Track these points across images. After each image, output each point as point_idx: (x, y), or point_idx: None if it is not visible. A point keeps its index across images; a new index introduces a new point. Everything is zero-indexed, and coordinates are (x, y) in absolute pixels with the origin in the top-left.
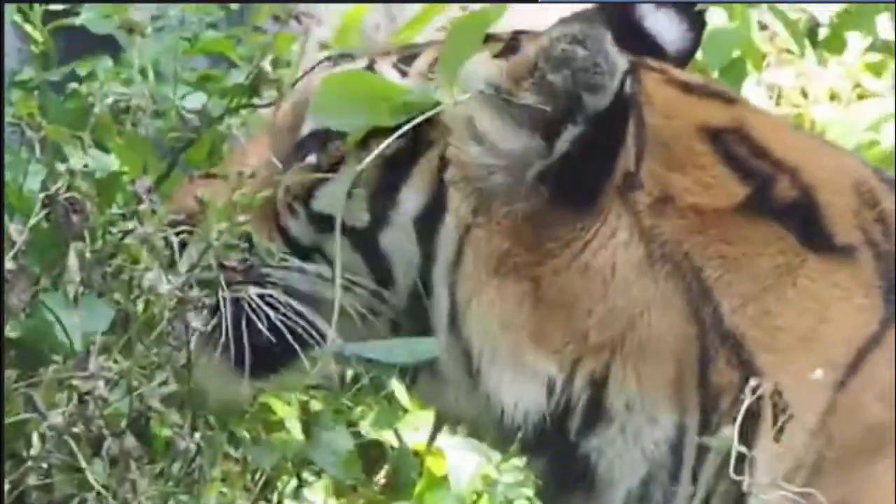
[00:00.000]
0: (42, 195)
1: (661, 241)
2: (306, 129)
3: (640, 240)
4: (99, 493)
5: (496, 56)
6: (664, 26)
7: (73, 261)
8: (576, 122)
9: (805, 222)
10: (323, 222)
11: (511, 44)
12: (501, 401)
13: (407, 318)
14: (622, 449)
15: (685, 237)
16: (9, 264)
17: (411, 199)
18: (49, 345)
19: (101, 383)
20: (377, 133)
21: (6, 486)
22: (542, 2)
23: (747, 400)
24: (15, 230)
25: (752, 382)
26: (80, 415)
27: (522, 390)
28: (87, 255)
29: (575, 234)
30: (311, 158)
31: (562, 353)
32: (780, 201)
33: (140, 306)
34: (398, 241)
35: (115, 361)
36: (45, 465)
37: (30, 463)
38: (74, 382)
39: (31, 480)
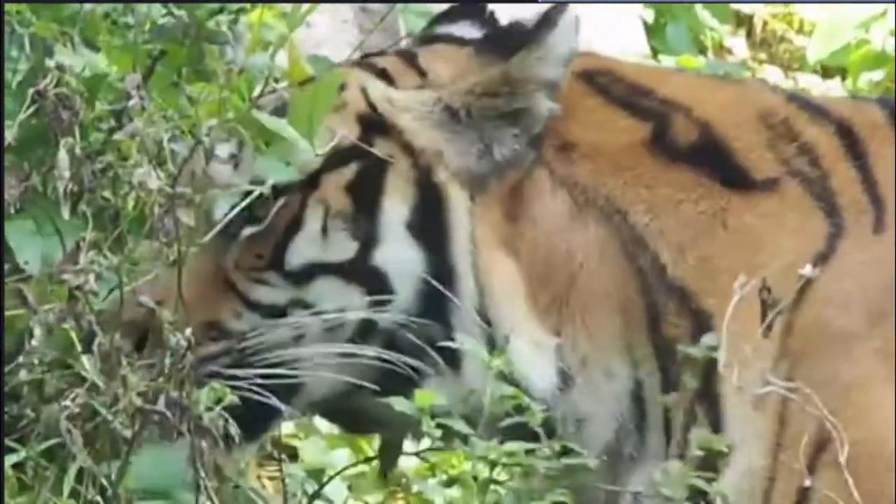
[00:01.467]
0: (31, 91)
1: (580, 188)
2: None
3: (560, 187)
4: (90, 388)
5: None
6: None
7: (62, 157)
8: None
9: (716, 163)
10: (302, 275)
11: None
12: (523, 376)
13: (404, 331)
14: (588, 407)
15: (600, 181)
16: None
17: (397, 208)
18: None
19: (91, 278)
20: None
21: None
22: (543, 1)
23: (737, 296)
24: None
25: (741, 279)
26: (71, 310)
27: (540, 362)
28: (77, 151)
29: (523, 191)
30: (248, 230)
31: (547, 318)
32: (683, 143)
33: (130, 202)
34: (394, 252)
35: (105, 257)
36: (35, 362)
37: (21, 359)
38: (65, 277)
39: (23, 376)
